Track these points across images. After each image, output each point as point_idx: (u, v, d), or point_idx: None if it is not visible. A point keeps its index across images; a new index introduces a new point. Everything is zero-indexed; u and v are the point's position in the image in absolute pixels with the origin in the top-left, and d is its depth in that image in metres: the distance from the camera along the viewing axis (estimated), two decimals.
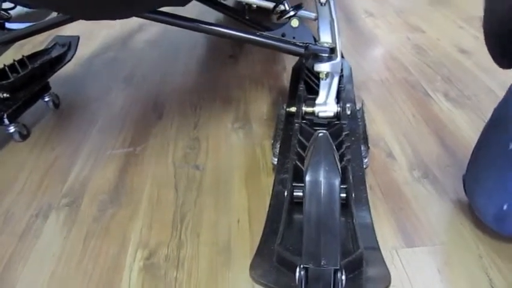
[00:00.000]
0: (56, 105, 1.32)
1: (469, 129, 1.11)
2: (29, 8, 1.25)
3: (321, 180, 0.61)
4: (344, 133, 0.86)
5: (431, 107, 1.22)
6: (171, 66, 1.56)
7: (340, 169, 0.65)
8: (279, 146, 0.93)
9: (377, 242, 0.67)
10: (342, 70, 1.02)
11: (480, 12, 0.67)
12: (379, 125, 1.15)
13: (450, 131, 1.11)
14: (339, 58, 0.92)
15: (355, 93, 1.17)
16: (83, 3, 0.80)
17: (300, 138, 0.85)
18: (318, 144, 0.68)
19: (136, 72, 1.52)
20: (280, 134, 0.96)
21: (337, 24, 0.91)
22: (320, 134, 0.70)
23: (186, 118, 1.23)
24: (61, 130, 1.21)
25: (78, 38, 1.41)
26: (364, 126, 1.02)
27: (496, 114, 0.80)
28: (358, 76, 1.37)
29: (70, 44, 1.40)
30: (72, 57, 1.38)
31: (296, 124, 0.89)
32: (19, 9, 1.22)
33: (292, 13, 0.92)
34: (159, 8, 0.91)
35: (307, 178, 0.63)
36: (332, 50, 0.91)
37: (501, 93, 0.79)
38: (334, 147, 0.71)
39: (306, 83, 1.05)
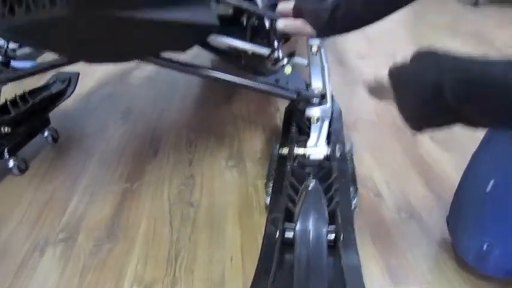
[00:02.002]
0: (55, 140, 1.35)
1: (454, 171, 1.15)
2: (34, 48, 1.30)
3: (310, 229, 0.65)
4: (333, 175, 0.89)
5: (418, 149, 1.27)
6: (167, 103, 1.60)
7: (327, 216, 0.69)
8: (271, 185, 0.96)
9: (363, 285, 0.70)
10: (332, 113, 1.07)
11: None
12: (367, 165, 1.19)
13: (436, 173, 1.15)
14: (329, 103, 0.97)
15: (345, 133, 1.21)
16: (87, 50, 0.85)
17: (292, 180, 0.89)
18: (308, 194, 0.72)
19: (133, 109, 1.56)
20: (273, 174, 0.99)
21: (328, 71, 0.96)
22: (311, 184, 0.75)
23: (181, 155, 1.27)
24: (59, 164, 1.24)
25: (78, 74, 1.45)
26: (353, 167, 1.06)
27: (474, 158, 0.84)
28: (348, 117, 1.41)
29: (70, 80, 1.43)
30: (71, 93, 1.41)
31: (288, 166, 0.93)
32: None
33: (285, 61, 0.98)
34: (160, 53, 0.96)
35: (298, 227, 0.67)
36: (323, 96, 0.96)
37: None
38: (323, 193, 0.75)
39: (297, 125, 1.09)
